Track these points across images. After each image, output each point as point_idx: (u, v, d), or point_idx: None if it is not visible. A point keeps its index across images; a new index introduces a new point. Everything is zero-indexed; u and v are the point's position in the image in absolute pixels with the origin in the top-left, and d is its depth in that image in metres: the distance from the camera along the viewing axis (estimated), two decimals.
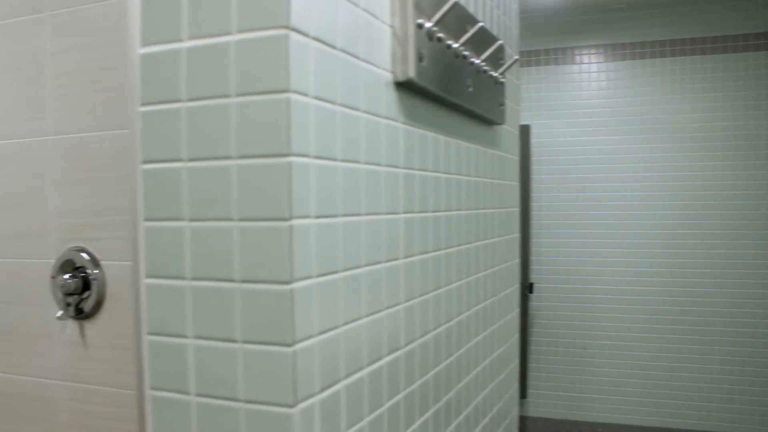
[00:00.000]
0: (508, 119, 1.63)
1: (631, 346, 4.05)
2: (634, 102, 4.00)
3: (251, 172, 0.75)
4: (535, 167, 4.20)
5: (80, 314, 1.45)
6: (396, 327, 1.01)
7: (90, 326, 1.45)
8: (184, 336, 0.80)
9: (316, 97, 0.79)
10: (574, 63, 4.10)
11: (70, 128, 1.44)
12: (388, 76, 0.99)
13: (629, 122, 4.02)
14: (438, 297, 1.18)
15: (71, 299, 1.47)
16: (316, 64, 0.79)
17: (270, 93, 0.74)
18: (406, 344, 1.05)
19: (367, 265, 0.92)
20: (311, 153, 0.78)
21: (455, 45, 1.14)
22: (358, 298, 0.90)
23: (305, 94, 0.77)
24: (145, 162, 0.82)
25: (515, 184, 1.70)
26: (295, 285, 0.75)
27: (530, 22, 4.15)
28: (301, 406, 0.76)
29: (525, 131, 4.06)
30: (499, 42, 1.31)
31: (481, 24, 1.16)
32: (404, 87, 1.03)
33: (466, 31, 1.20)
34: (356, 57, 0.89)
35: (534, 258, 4.21)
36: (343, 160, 0.86)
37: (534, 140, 4.18)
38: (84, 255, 1.44)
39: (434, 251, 1.16)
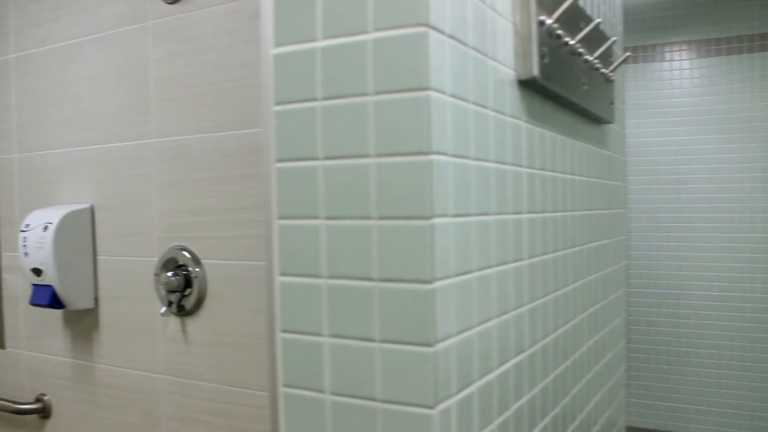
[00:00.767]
0: (616, 118, 1.59)
1: (730, 355, 3.88)
2: (730, 100, 3.84)
3: (390, 170, 0.75)
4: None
5: (182, 311, 1.49)
6: (520, 329, 0.99)
7: (191, 323, 1.48)
8: (319, 334, 0.80)
9: (453, 95, 0.79)
10: (664, 60, 3.97)
11: (170, 131, 1.49)
12: (512, 74, 0.97)
13: (724, 121, 3.87)
14: (556, 299, 1.15)
15: (173, 296, 1.51)
16: (452, 62, 0.79)
17: (410, 91, 0.74)
18: (530, 347, 1.03)
19: (496, 265, 0.90)
20: (449, 151, 0.77)
21: (571, 42, 1.12)
22: (489, 298, 0.88)
23: (443, 92, 0.76)
24: (280, 161, 0.82)
25: (622, 185, 1.66)
26: (436, 284, 0.74)
27: None
28: (441, 407, 0.75)
29: None
30: (613, 39, 1.28)
31: (598, 20, 1.14)
32: (526, 85, 1.01)
33: (579, 28, 1.18)
34: (485, 54, 0.88)
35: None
36: (475, 159, 0.85)
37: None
38: (186, 253, 1.48)
39: (553, 252, 1.14)
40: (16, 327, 1.84)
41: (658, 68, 4.00)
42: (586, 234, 1.35)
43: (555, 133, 1.15)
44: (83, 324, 1.67)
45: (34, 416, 1.79)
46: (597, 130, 1.43)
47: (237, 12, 1.37)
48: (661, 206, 4.01)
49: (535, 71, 0.97)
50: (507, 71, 0.95)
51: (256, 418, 1.36)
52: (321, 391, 0.81)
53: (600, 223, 1.46)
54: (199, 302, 1.46)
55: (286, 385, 0.84)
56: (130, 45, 1.55)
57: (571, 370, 1.24)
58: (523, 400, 1.00)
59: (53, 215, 1.58)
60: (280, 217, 0.82)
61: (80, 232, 1.63)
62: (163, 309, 1.47)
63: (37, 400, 1.78)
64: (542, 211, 1.08)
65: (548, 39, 1.02)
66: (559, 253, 1.17)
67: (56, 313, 1.73)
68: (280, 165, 0.82)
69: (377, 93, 0.76)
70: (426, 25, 0.73)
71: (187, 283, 1.47)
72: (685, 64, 3.93)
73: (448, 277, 0.77)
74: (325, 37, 0.79)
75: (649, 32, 4.00)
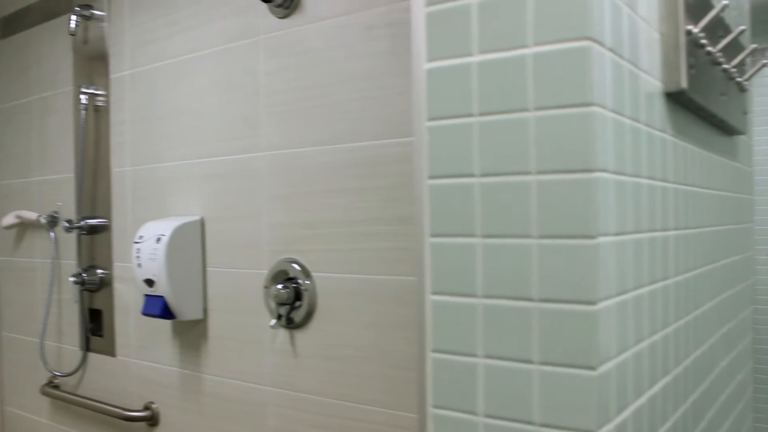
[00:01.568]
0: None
1: None
2: None
3: (552, 187, 0.73)
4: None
5: (291, 324, 1.49)
6: (666, 350, 0.95)
7: (300, 336, 1.49)
8: (473, 355, 0.79)
9: (613, 110, 0.76)
10: None
11: (281, 144, 1.50)
12: (659, 86, 0.94)
13: None
14: (696, 318, 1.11)
15: (283, 309, 1.52)
16: (612, 76, 0.76)
17: (573, 106, 0.72)
18: (674, 368, 0.99)
19: (648, 284, 0.87)
20: (610, 168, 0.75)
21: (713, 51, 1.08)
22: (642, 318, 0.85)
23: (604, 107, 0.74)
24: (432, 177, 0.81)
25: (749, 198, 1.59)
26: (600, 305, 0.72)
27: None
28: (602, 431, 0.72)
29: None
30: (753, 46, 1.23)
31: (742, 28, 1.09)
32: (672, 97, 0.98)
33: (718, 36, 1.13)
34: (638, 67, 0.85)
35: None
36: (631, 175, 0.82)
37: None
38: (296, 266, 1.49)
39: (693, 270, 1.09)
40: (127, 336, 1.89)
41: None
42: (719, 250, 1.29)
43: (694, 146, 1.11)
44: (192, 334, 1.70)
45: (143, 423, 1.83)
46: (728, 142, 1.37)
47: (350, 25, 1.37)
48: None
49: (684, 83, 0.93)
50: (655, 83, 0.92)
51: None
52: (474, 413, 0.79)
53: (730, 239, 1.40)
54: (309, 315, 1.47)
55: (436, 406, 0.82)
56: (242, 59, 1.58)
57: (707, 393, 1.19)
58: (668, 424, 0.96)
59: (166, 227, 1.62)
60: (433, 235, 0.81)
61: (191, 244, 1.66)
62: (273, 322, 1.48)
63: (146, 408, 1.82)
64: (685, 228, 1.04)
65: (694, 49, 0.98)
66: (697, 271, 1.12)
67: (165, 323, 1.77)
68: (432, 182, 0.81)
69: (538, 108, 0.74)
70: (589, 38, 0.71)
71: (297, 296, 1.48)
72: None
73: (609, 297, 0.74)
74: (482, 52, 0.77)
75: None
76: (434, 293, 0.82)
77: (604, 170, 0.73)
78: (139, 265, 1.64)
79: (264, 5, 1.52)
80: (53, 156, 2.13)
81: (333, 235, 1.41)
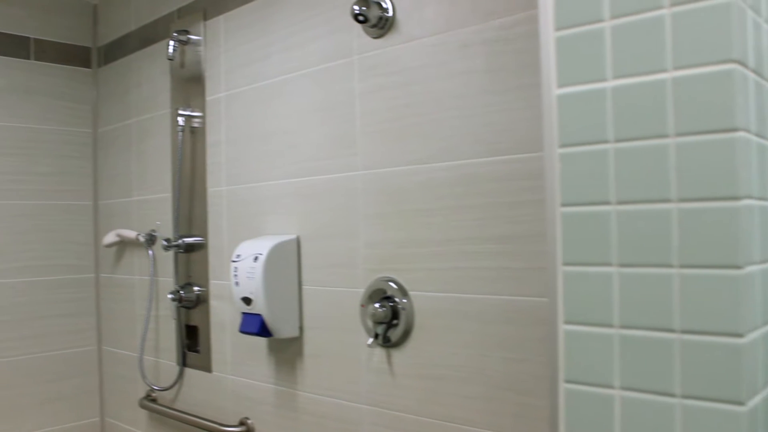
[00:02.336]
0: None
1: None
2: None
3: (695, 215, 0.71)
4: None
5: (388, 342, 1.49)
6: None
7: (397, 355, 1.49)
8: (609, 386, 0.77)
9: (756, 134, 0.74)
10: None
11: (377, 163, 1.51)
12: None
13: None
14: None
15: (380, 328, 1.52)
16: (755, 99, 0.74)
17: (717, 132, 0.70)
18: None
19: None
20: (755, 194, 0.72)
21: None
22: None
23: (749, 131, 0.71)
24: (565, 205, 0.80)
25: None
26: (747, 338, 0.69)
27: None
28: None
29: None
30: None
31: None
32: None
33: None
34: None
35: None
36: (759, 198, 0.79)
37: None
38: (392, 284, 1.49)
39: None
40: (223, 352, 1.92)
41: None
42: None
43: None
44: (287, 352, 1.72)
45: None
46: None
47: (444, 44, 1.37)
48: None
49: None
50: None
51: None
52: None
53: None
54: (406, 334, 1.46)
55: None
56: (337, 79, 1.60)
57: None
58: None
59: (263, 246, 1.65)
60: (566, 263, 0.80)
61: (287, 263, 1.68)
62: (371, 340, 1.49)
63: (241, 423, 1.85)
64: None
65: None
66: None
67: (261, 341, 1.80)
68: (565, 209, 0.80)
69: (678, 135, 0.72)
70: (734, 60, 0.69)
71: (394, 314, 1.48)
72: None
73: (756, 329, 0.72)
74: (616, 77, 0.76)
75: None
76: (567, 322, 0.80)
77: (749, 196, 0.71)
78: (237, 284, 1.67)
79: (358, 26, 1.53)
80: (152, 176, 2.20)
81: (430, 254, 1.41)
